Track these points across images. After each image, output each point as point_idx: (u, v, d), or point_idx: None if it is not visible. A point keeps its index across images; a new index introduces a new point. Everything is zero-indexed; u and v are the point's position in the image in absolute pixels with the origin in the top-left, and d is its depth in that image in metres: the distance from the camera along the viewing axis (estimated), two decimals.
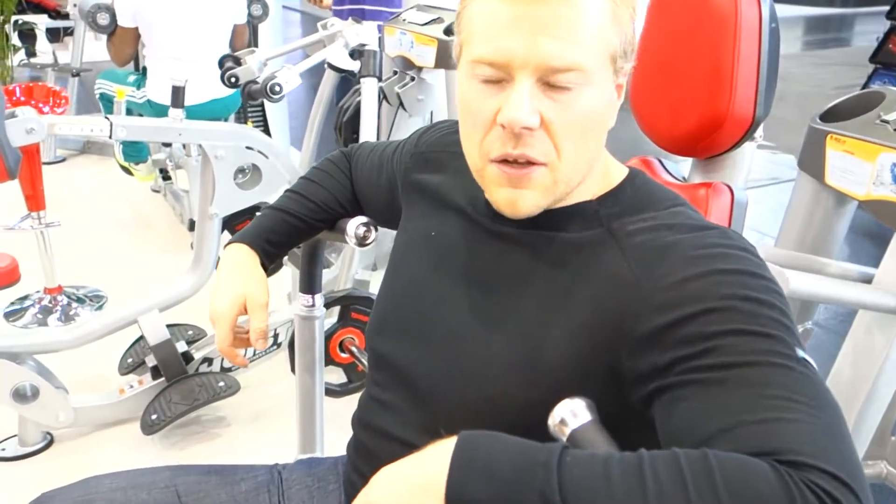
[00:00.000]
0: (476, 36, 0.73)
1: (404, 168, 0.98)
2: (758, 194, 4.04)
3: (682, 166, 1.22)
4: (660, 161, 1.09)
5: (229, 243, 1.06)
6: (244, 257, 1.04)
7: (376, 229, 1.07)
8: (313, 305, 1.27)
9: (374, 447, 0.89)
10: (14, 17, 5.64)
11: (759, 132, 1.03)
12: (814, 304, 1.51)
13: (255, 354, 2.24)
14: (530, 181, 0.74)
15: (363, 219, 1.07)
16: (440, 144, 0.95)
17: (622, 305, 0.71)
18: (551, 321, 0.75)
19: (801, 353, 0.63)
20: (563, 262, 0.77)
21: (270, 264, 1.08)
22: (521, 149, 0.72)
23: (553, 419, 0.66)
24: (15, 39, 5.74)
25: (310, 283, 1.26)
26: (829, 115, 1.32)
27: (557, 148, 0.73)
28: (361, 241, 1.06)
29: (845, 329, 1.34)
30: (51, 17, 6.25)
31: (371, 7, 2.92)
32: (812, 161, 1.28)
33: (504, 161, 0.74)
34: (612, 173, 0.82)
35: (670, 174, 1.07)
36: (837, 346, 1.34)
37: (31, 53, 6.01)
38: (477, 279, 0.83)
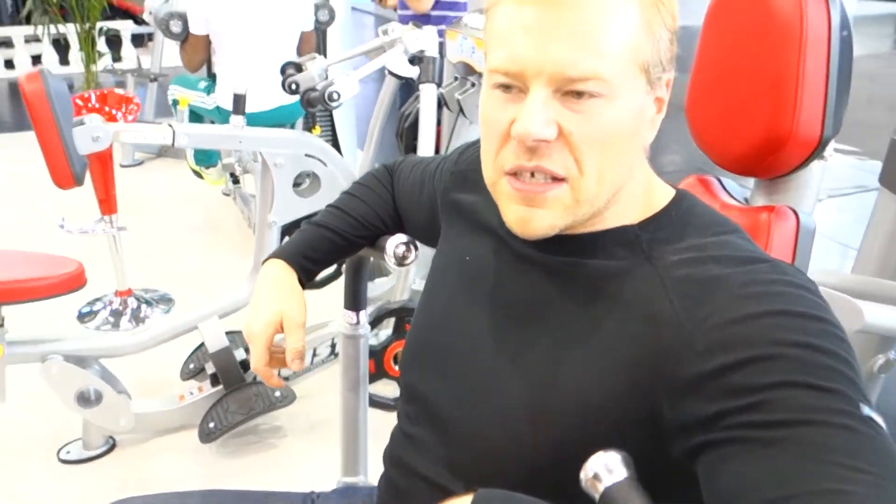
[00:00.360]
0: (494, 44, 0.69)
1: (444, 187, 0.93)
2: (842, 203, 3.82)
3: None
4: (719, 180, 1.01)
5: (267, 259, 1.04)
6: (281, 274, 1.02)
7: (416, 248, 1.03)
8: (358, 323, 1.23)
9: (401, 485, 0.84)
10: (100, 24, 5.89)
11: (830, 150, 0.93)
12: None
13: (311, 364, 2.23)
14: (546, 200, 0.69)
15: (403, 237, 1.03)
16: (479, 162, 0.90)
17: (661, 346, 0.64)
18: (577, 357, 0.70)
19: (866, 410, 0.55)
20: (596, 292, 0.71)
21: (308, 281, 1.05)
22: (536, 161, 0.67)
23: (586, 473, 0.60)
24: (101, 45, 6.00)
25: (354, 300, 1.23)
26: None
27: (579, 162, 0.67)
28: (401, 261, 1.02)
29: None
30: (136, 23, 6.51)
31: (435, 12, 2.89)
32: (895, 177, 1.16)
33: (516, 175, 0.69)
34: (657, 195, 0.75)
35: (730, 195, 0.98)
36: None
37: (116, 59, 6.28)
38: (504, 307, 0.78)
